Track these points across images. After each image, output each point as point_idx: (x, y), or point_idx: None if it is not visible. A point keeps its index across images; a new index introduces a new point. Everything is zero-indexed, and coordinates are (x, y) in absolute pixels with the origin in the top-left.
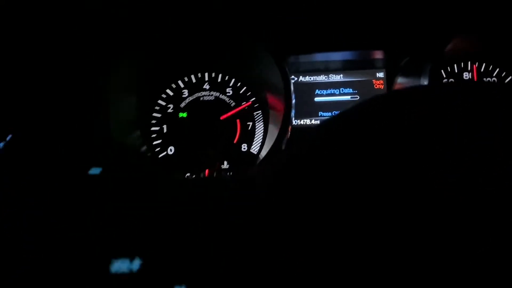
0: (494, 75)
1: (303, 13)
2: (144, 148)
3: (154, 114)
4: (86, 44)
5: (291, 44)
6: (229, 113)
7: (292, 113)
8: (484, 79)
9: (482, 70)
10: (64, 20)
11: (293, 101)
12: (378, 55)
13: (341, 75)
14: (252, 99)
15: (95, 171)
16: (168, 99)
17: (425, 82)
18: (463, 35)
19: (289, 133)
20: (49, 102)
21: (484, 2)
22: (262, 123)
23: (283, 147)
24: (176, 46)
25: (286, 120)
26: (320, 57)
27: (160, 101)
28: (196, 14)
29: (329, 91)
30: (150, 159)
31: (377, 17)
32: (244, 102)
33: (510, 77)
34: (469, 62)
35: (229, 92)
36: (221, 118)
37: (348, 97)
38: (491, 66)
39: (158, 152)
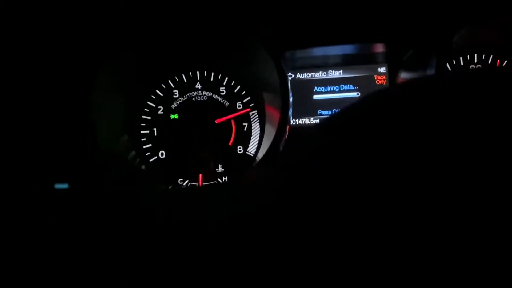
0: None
1: (299, 5)
2: (132, 153)
3: (144, 117)
4: (70, 42)
5: (287, 39)
6: (225, 118)
7: (290, 112)
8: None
9: (489, 61)
10: (49, 16)
11: (291, 99)
12: (380, 48)
13: (341, 71)
14: (247, 100)
15: (62, 185)
16: (158, 100)
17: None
18: (469, 27)
19: (287, 133)
20: (30, 102)
21: None
22: (258, 123)
23: (281, 148)
24: (165, 43)
25: (284, 120)
26: (318, 51)
27: (149, 103)
28: (187, 10)
29: (328, 88)
30: (138, 167)
31: (378, 9)
32: (239, 103)
33: None
34: (475, 55)
35: (222, 92)
36: (216, 121)
37: (348, 94)
38: (498, 58)
39: (148, 156)
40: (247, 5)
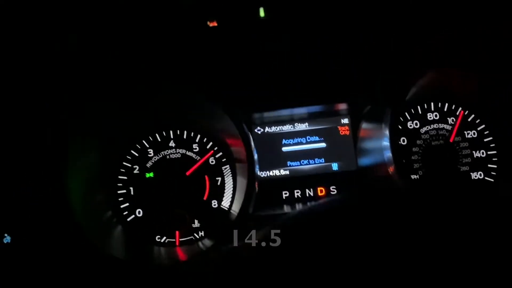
0: (457, 113)
1: (266, 73)
2: (109, 213)
3: (120, 177)
4: (45, 102)
5: (255, 104)
6: (194, 167)
7: (257, 168)
8: (448, 118)
9: (445, 109)
10: (27, 75)
11: (255, 156)
12: (342, 106)
13: (307, 124)
14: (220, 156)
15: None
16: (134, 160)
17: (387, 129)
18: (423, 80)
19: (257, 188)
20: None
21: (437, 48)
22: (231, 177)
23: (253, 202)
24: (140, 106)
25: (252, 176)
26: (285, 112)
27: (125, 163)
28: (160, 74)
29: (296, 140)
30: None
31: (338, 72)
32: (212, 158)
33: (472, 116)
34: (432, 103)
35: (195, 148)
36: (187, 173)
37: (315, 145)
38: (453, 106)
39: (126, 215)
40: (216, 74)
